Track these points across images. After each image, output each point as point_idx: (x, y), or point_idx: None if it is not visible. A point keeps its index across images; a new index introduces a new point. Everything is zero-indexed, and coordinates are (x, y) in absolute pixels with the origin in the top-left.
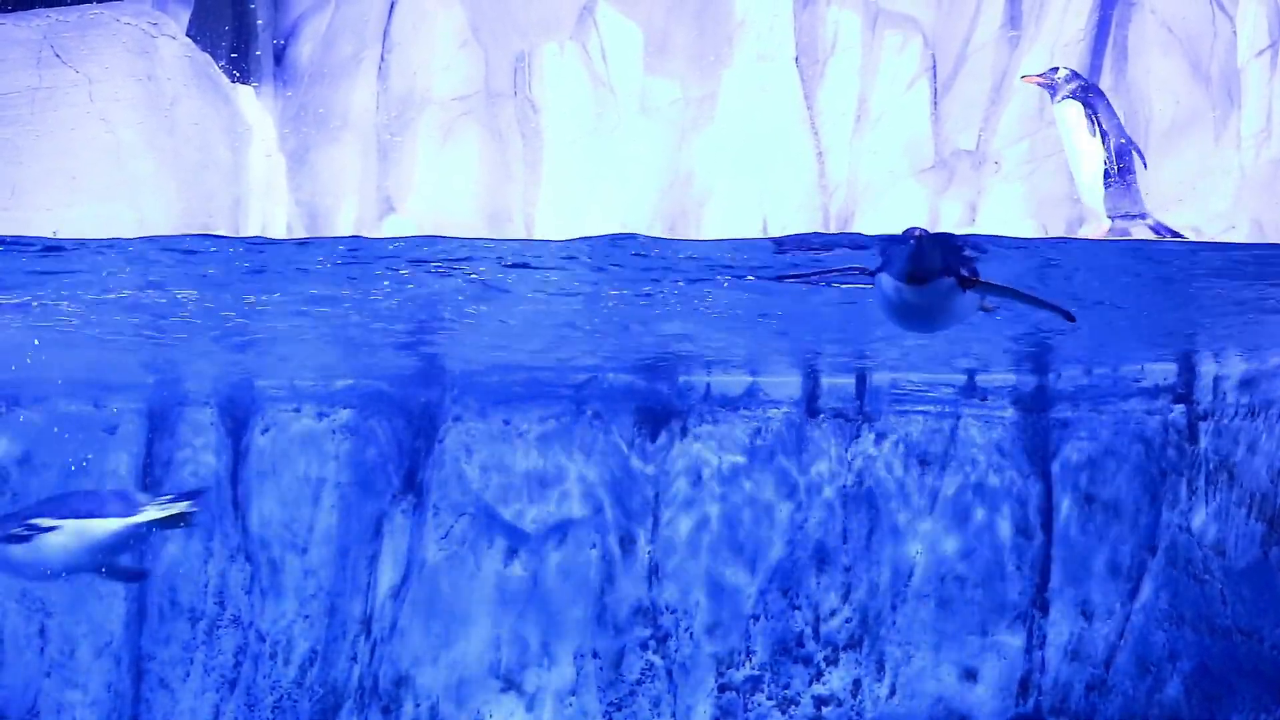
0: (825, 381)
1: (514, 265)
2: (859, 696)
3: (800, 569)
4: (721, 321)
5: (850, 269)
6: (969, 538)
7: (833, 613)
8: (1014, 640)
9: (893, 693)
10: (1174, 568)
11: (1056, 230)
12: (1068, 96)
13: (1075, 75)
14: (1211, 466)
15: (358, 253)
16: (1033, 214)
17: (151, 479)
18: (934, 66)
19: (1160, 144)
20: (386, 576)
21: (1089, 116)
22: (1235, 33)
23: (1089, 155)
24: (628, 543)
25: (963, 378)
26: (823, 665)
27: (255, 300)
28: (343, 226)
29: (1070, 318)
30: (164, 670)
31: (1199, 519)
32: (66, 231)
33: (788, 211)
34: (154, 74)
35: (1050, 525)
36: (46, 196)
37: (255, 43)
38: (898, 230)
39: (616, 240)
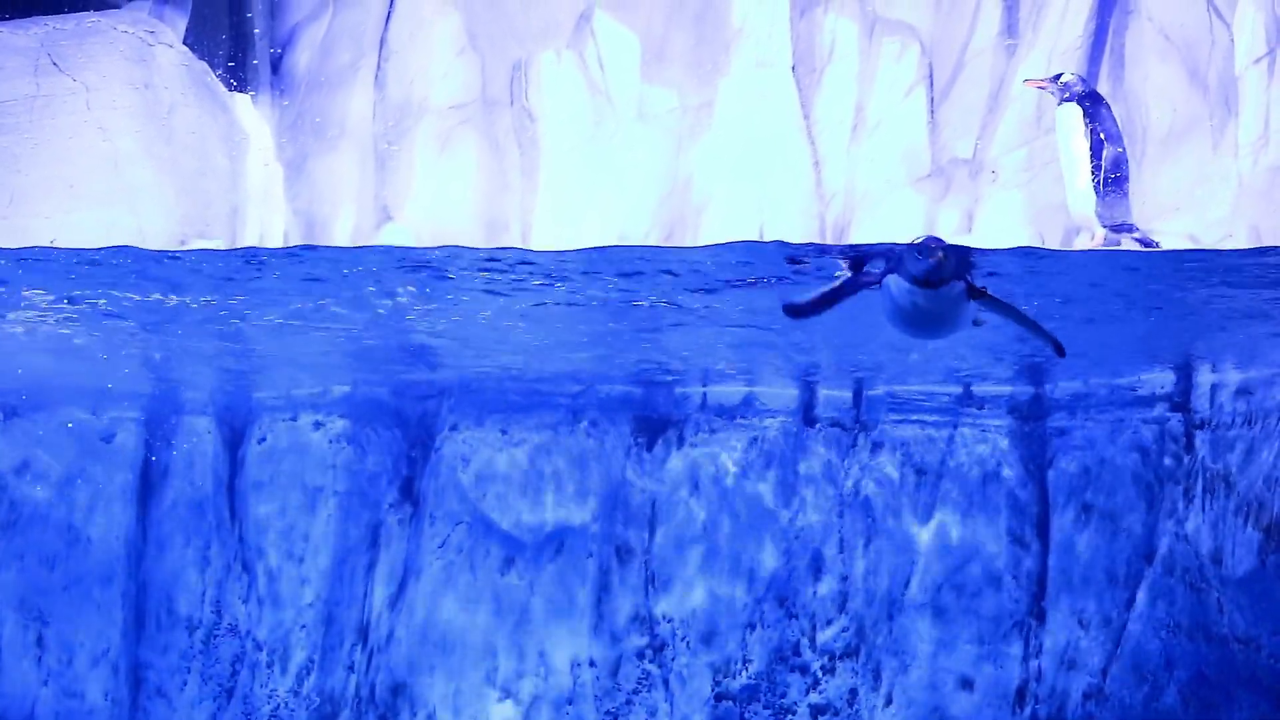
0: (822, 392)
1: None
2: (855, 706)
3: (797, 578)
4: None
5: (857, 282)
6: (965, 547)
7: (829, 622)
8: (1011, 649)
9: (889, 702)
10: (1171, 576)
11: (1053, 238)
12: (1070, 100)
13: (1080, 80)
14: (1208, 475)
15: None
16: (1030, 222)
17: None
18: (931, 74)
19: (1158, 151)
20: (383, 585)
21: (1089, 122)
22: (1233, 40)
23: (1085, 162)
24: (624, 552)
25: (959, 387)
26: (819, 674)
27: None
28: (340, 236)
29: (1061, 351)
30: (161, 679)
31: (1196, 527)
32: (65, 240)
33: (785, 219)
34: (151, 82)
35: (1047, 534)
36: (45, 204)
37: (252, 51)
38: (894, 238)
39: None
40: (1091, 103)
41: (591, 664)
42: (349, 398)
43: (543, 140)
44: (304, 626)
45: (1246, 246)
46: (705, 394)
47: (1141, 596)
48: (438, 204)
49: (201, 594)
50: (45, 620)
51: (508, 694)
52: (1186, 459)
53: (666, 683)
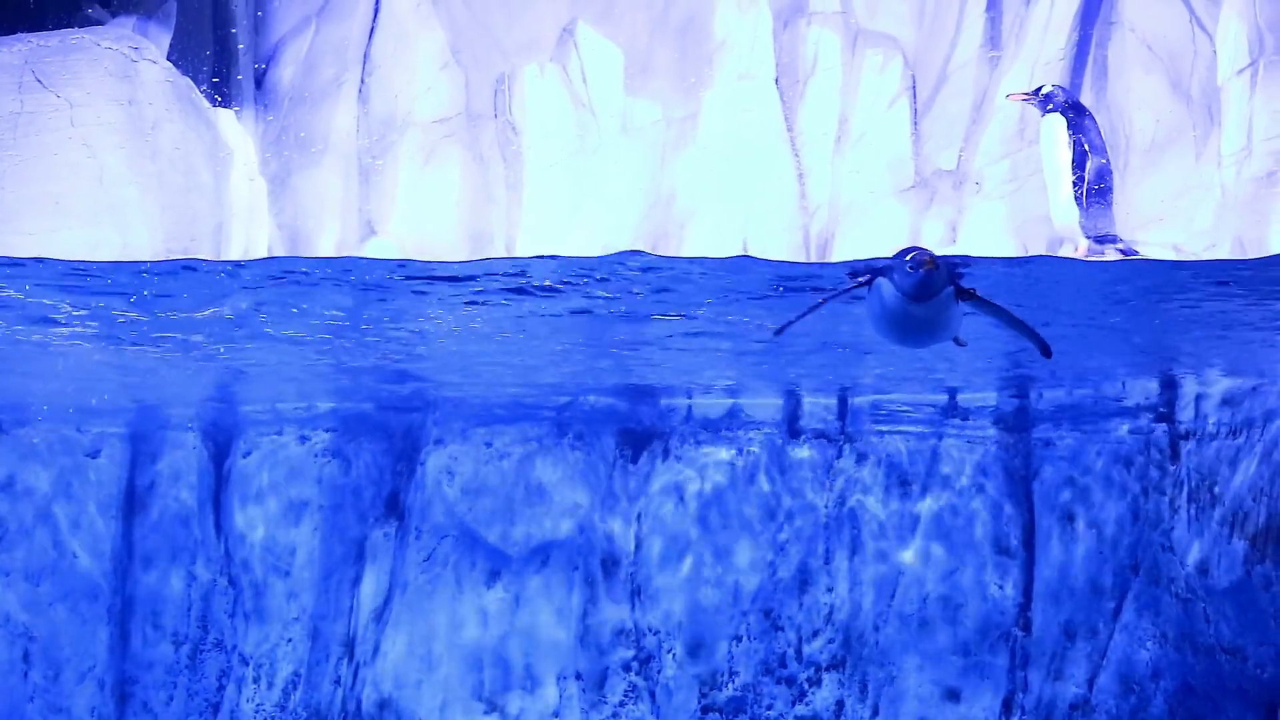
0: (807, 402)
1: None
2: (842, 717)
3: (783, 590)
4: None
5: (844, 288)
6: (951, 557)
7: (815, 633)
8: (997, 660)
9: (875, 713)
10: (1156, 586)
11: (1037, 249)
12: (1054, 111)
13: (1063, 91)
14: (1193, 485)
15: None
16: (1014, 233)
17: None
18: (914, 86)
19: (1141, 162)
20: (369, 599)
21: (1072, 134)
22: (1215, 51)
23: (1068, 173)
24: (610, 564)
25: (944, 397)
26: (805, 686)
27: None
28: (324, 249)
29: (1047, 352)
30: (147, 694)
31: (1181, 538)
32: (51, 256)
33: (769, 232)
34: (136, 98)
35: (1032, 544)
36: (30, 221)
37: (236, 66)
38: (878, 249)
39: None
40: (1075, 114)
41: (578, 677)
42: (334, 411)
43: (527, 153)
44: (290, 641)
45: (1230, 257)
46: (690, 406)
47: (1127, 607)
48: (422, 218)
49: (187, 609)
50: (31, 636)
51: (494, 707)
52: (1172, 469)
53: (653, 695)
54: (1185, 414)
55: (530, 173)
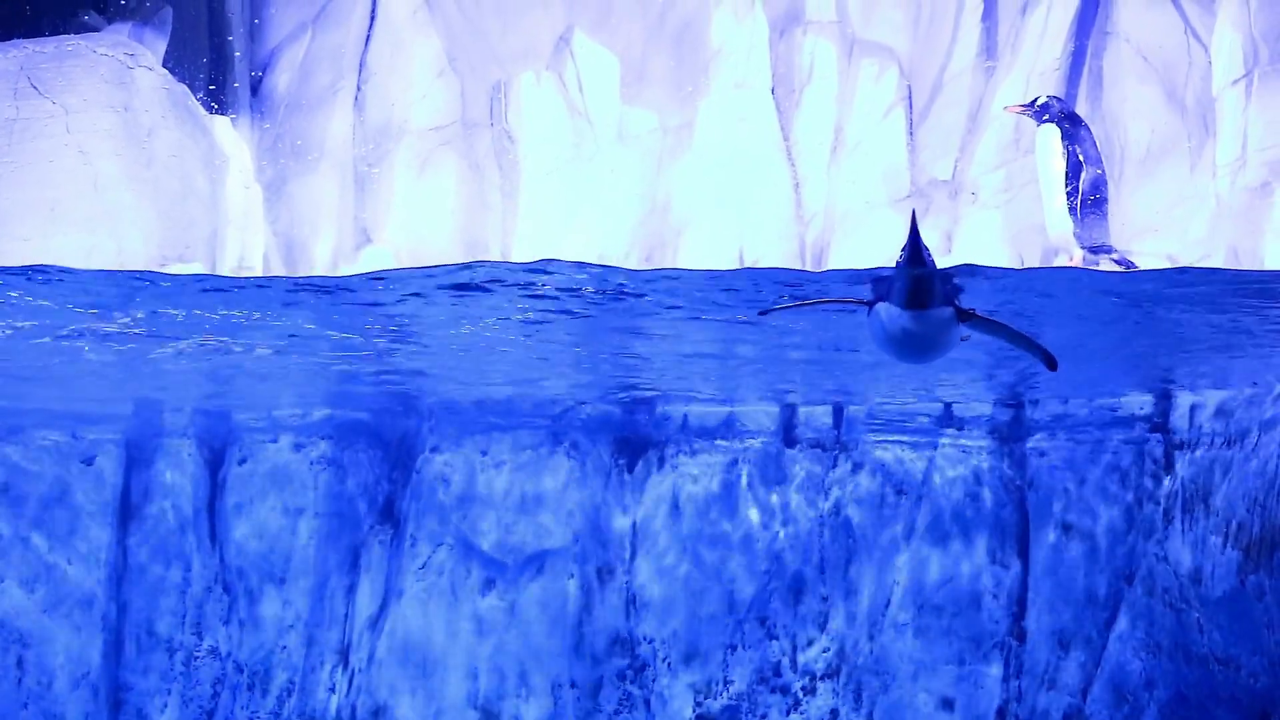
0: (802, 411)
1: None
2: None
3: (778, 598)
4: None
5: (842, 301)
6: (946, 567)
7: (810, 642)
8: (991, 669)
9: None
10: (1151, 596)
11: (1032, 259)
12: (1049, 121)
13: (1059, 101)
14: (1188, 495)
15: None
16: (1009, 242)
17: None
18: (910, 95)
19: (1136, 172)
20: (364, 607)
21: (1067, 144)
22: (1210, 61)
23: (1063, 183)
24: (605, 573)
25: (939, 407)
26: (800, 695)
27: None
28: (319, 258)
29: (1052, 365)
30: (142, 701)
31: (1175, 547)
32: (47, 262)
33: (765, 240)
34: (131, 105)
35: (1027, 554)
36: (26, 227)
37: (232, 73)
38: (874, 259)
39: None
40: (1070, 124)
41: (572, 685)
42: (330, 419)
43: (523, 161)
44: (285, 648)
45: (1224, 266)
46: (686, 414)
47: (1121, 616)
48: (417, 226)
49: (182, 616)
50: (25, 643)
51: (489, 715)
52: (1167, 479)
53: (647, 703)
54: (1180, 424)
55: (526, 181)
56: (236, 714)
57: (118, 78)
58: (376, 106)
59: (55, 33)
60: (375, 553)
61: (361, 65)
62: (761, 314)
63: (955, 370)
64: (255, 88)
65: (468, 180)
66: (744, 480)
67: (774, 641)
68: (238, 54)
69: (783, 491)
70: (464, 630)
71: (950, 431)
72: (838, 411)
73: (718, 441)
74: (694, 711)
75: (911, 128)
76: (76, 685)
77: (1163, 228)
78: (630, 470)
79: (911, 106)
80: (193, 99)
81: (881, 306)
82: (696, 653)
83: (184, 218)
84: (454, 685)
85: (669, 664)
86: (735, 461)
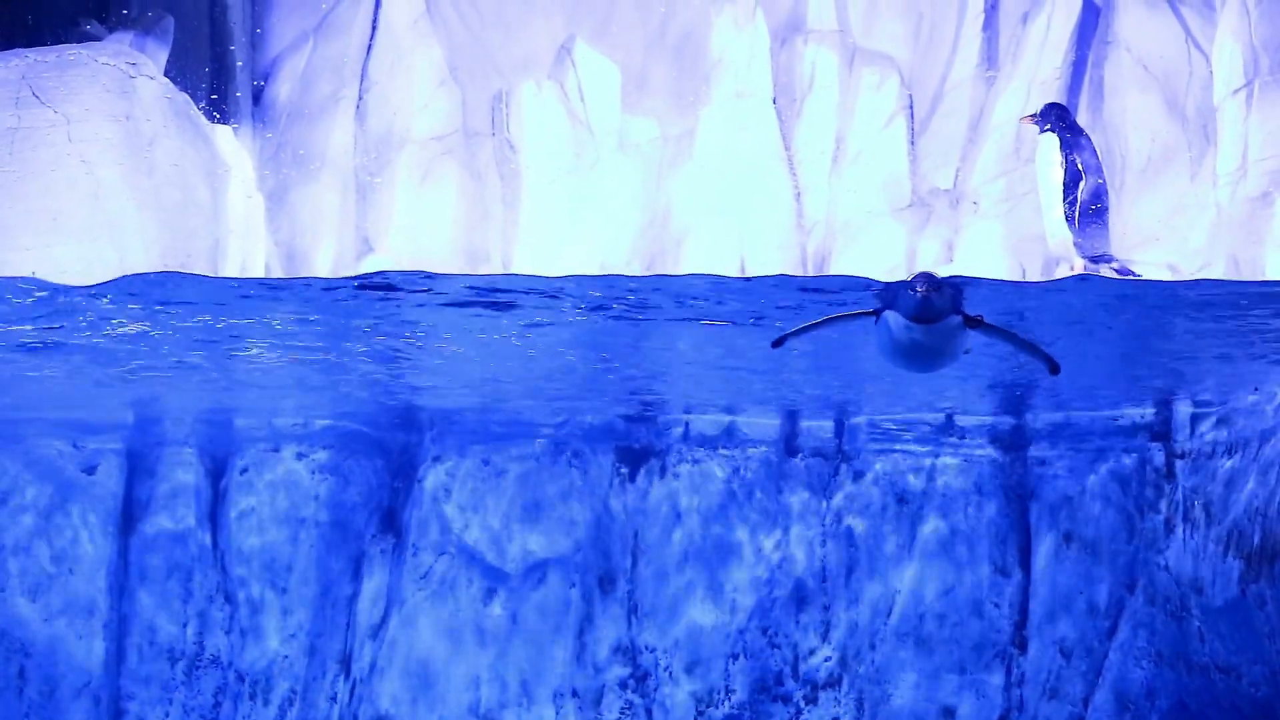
0: (804, 422)
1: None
2: None
3: (779, 607)
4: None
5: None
6: (947, 576)
7: (812, 651)
8: (993, 678)
9: None
10: (1152, 605)
11: (1033, 269)
12: (1049, 129)
13: (1060, 108)
14: (1189, 504)
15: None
16: (1010, 252)
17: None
18: (911, 105)
19: (1136, 181)
20: (366, 616)
21: (1068, 153)
22: (1211, 71)
23: (1064, 192)
24: (607, 582)
25: (941, 417)
26: (802, 704)
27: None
28: (321, 266)
29: (1055, 369)
30: (143, 710)
31: (1177, 556)
32: (47, 272)
33: (765, 250)
34: (133, 114)
35: (1028, 563)
36: (27, 237)
37: (234, 83)
38: (875, 268)
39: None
40: (1071, 133)
41: (574, 694)
42: (331, 428)
43: (524, 170)
44: (287, 657)
45: (1224, 277)
46: (688, 423)
47: (1123, 625)
48: (419, 235)
49: (184, 624)
50: (27, 652)
51: None
52: (1168, 488)
53: (649, 712)
54: (1181, 433)
55: (527, 190)
56: None
57: (119, 87)
58: (378, 116)
59: (57, 42)
60: (377, 562)
61: (363, 75)
62: (774, 345)
63: (958, 378)
64: (257, 97)
65: (469, 189)
66: (745, 489)
67: (776, 650)
68: (239, 63)
69: (784, 500)
70: (466, 639)
71: (952, 440)
72: (839, 421)
73: (719, 450)
74: None
75: (912, 137)
76: (78, 695)
77: (1163, 237)
78: (632, 479)
79: (913, 116)
80: (194, 108)
81: (889, 315)
82: (699, 661)
83: (185, 227)
84: (456, 694)
85: (671, 673)
86: (737, 470)
